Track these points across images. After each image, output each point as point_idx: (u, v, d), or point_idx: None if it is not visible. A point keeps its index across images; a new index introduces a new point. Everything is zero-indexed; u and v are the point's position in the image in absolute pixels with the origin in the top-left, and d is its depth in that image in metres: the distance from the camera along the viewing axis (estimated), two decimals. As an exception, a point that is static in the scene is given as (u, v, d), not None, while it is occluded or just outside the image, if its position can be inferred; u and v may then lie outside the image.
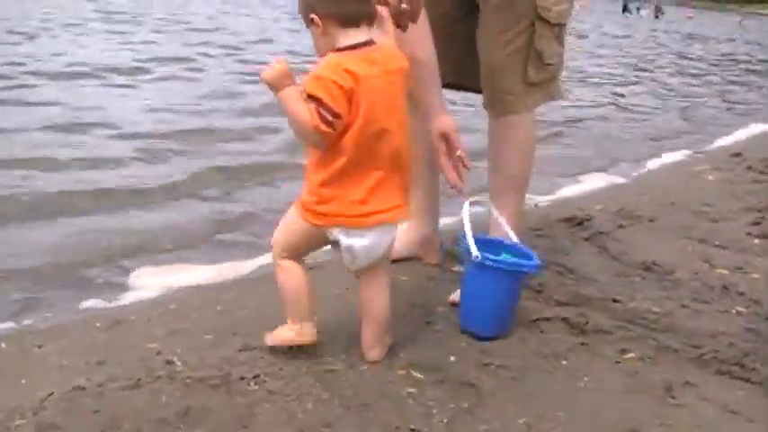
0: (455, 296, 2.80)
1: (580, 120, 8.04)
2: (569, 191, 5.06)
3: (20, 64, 8.43)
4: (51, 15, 13.97)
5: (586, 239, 3.70)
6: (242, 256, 3.47)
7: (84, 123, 6.01)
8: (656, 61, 15.91)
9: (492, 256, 2.50)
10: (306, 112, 2.10)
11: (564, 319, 2.73)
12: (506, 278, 2.53)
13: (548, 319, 2.73)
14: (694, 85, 12.48)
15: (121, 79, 8.18)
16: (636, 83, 11.98)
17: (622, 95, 10.18)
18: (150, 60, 9.47)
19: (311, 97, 2.11)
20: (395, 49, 2.29)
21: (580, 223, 3.94)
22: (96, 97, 7.12)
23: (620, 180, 5.50)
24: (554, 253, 3.41)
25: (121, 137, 5.70)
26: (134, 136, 5.72)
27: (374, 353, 2.38)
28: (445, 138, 2.58)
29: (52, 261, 3.41)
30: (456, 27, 2.93)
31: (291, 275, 2.35)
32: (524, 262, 2.56)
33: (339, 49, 2.17)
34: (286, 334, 2.37)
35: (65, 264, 3.39)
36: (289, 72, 2.15)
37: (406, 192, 2.31)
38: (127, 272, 3.32)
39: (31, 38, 10.81)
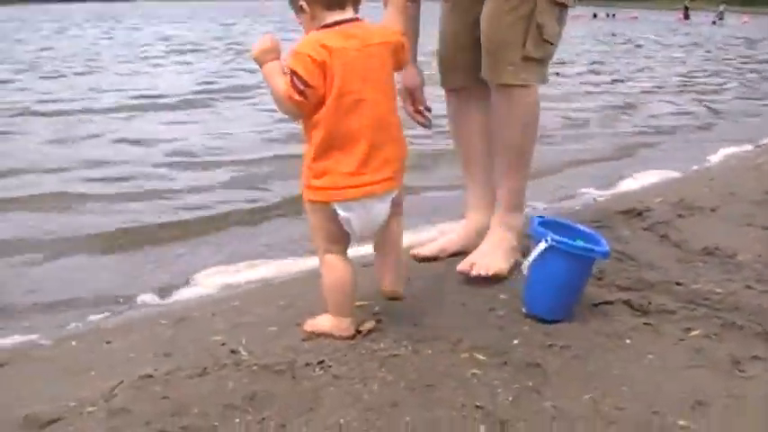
0: (463, 265, 2.93)
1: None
2: (627, 185, 5.01)
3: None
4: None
5: (646, 229, 3.66)
6: (301, 252, 3.49)
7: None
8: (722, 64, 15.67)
9: (566, 240, 2.49)
10: (283, 84, 2.26)
11: (626, 302, 2.70)
12: (579, 262, 2.52)
13: (610, 303, 2.71)
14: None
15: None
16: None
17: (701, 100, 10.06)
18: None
19: (291, 71, 2.25)
20: (383, 25, 2.44)
21: (639, 214, 3.90)
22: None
23: (679, 174, 5.43)
24: (614, 242, 3.36)
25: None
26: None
27: (394, 288, 2.56)
28: (411, 93, 3.05)
29: (119, 261, 3.49)
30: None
31: (332, 271, 2.44)
32: (597, 247, 2.53)
33: (322, 27, 2.31)
34: (324, 324, 2.47)
35: (130, 264, 3.48)
36: (273, 47, 2.33)
37: (397, 163, 2.39)
38: (191, 271, 3.37)
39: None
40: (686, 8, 53.80)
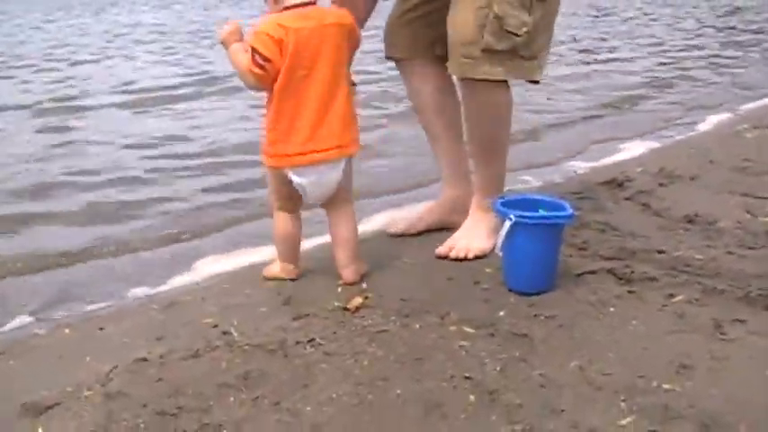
0: (442, 249, 3.02)
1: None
2: (609, 157, 5.04)
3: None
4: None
5: (628, 199, 3.71)
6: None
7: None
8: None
9: (528, 214, 2.55)
10: (245, 60, 2.58)
11: (609, 271, 2.76)
12: (546, 231, 2.58)
13: (593, 272, 2.76)
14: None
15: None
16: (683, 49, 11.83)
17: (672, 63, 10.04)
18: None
19: (251, 48, 2.55)
20: (338, 9, 2.73)
21: (620, 184, 3.95)
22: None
23: (659, 144, 5.47)
24: (596, 212, 3.44)
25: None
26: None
27: (347, 272, 2.77)
28: None
29: (109, 250, 3.52)
30: None
31: (282, 225, 2.82)
32: (560, 213, 2.60)
33: (283, 9, 2.59)
34: (274, 269, 2.89)
35: (120, 252, 3.51)
36: (235, 29, 2.66)
37: (346, 134, 2.66)
38: (181, 258, 3.41)
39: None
40: None
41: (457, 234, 3.07)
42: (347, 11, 2.72)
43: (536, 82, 2.93)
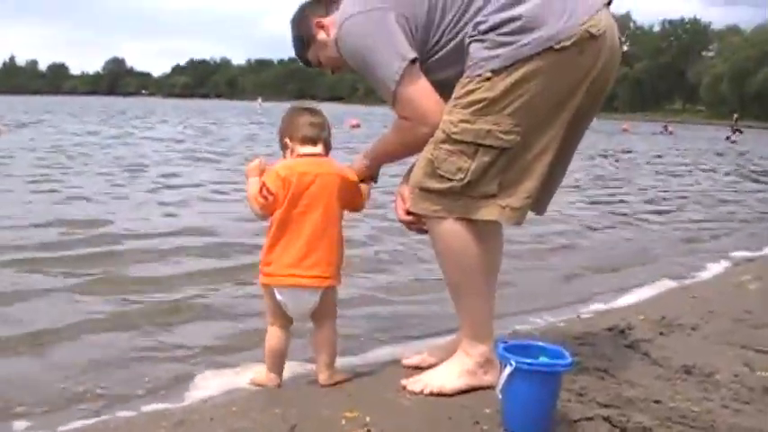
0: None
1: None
2: (613, 302, 5.15)
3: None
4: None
5: (628, 346, 3.80)
6: (300, 358, 3.59)
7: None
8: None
9: (528, 360, 2.65)
10: (254, 190, 3.08)
11: (606, 418, 2.82)
12: (545, 378, 2.67)
13: (590, 419, 2.82)
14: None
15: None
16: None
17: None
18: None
19: (262, 182, 3.06)
20: (345, 166, 3.22)
21: (622, 331, 4.05)
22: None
23: (663, 290, 5.58)
24: (596, 359, 3.53)
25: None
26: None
27: (322, 376, 3.19)
28: (401, 195, 3.13)
29: (121, 360, 3.63)
30: None
31: (271, 338, 3.18)
32: (559, 362, 2.69)
33: (297, 156, 3.12)
34: (261, 377, 3.26)
35: (133, 363, 3.63)
36: (258, 167, 3.15)
37: (328, 267, 3.07)
38: (193, 374, 3.52)
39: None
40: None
41: (431, 369, 3.17)
42: (350, 169, 3.19)
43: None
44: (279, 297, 3.07)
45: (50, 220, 7.38)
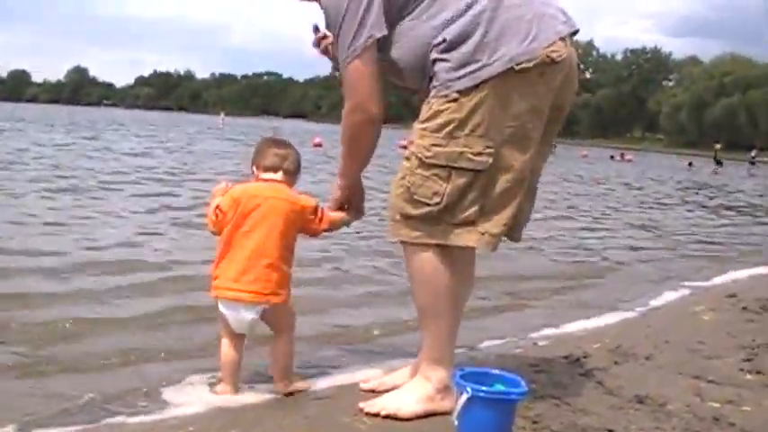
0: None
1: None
2: (569, 329, 5.21)
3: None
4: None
5: (582, 375, 3.84)
6: (262, 380, 3.59)
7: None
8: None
9: (483, 388, 2.68)
10: (211, 208, 3.36)
11: (560, 447, 2.86)
12: (501, 406, 2.71)
13: (544, 447, 2.87)
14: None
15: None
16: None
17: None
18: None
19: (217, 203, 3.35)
20: (301, 194, 3.44)
21: (577, 360, 4.09)
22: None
23: (619, 319, 5.65)
24: (551, 387, 3.56)
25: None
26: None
27: (279, 385, 3.39)
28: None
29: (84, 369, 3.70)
30: None
31: (221, 348, 3.37)
32: (514, 390, 2.74)
33: (258, 179, 3.39)
34: (218, 388, 3.39)
35: (95, 371, 3.71)
36: (223, 190, 3.41)
37: (267, 285, 3.23)
38: (155, 388, 3.54)
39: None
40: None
41: (389, 393, 3.20)
42: (308, 197, 3.41)
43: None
44: (221, 309, 3.28)
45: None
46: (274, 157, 3.40)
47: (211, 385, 3.46)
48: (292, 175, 3.43)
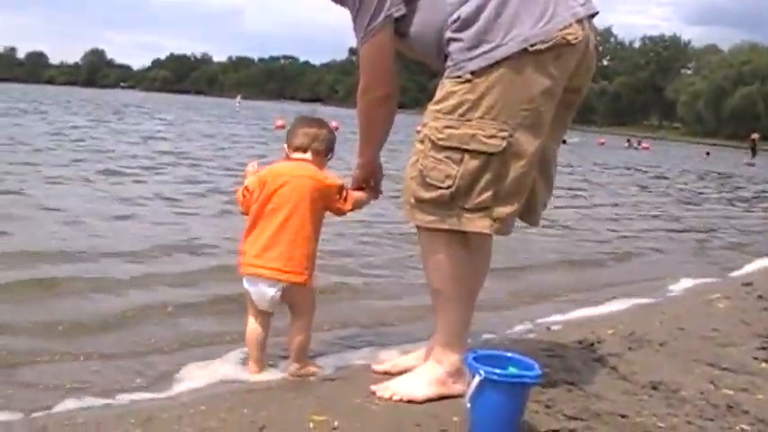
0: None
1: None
2: (583, 315, 5.19)
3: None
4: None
5: (596, 360, 3.83)
6: (276, 360, 3.63)
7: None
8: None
9: (497, 371, 2.66)
10: (241, 188, 3.45)
11: (571, 431, 2.85)
12: (513, 389, 2.69)
13: (556, 431, 2.86)
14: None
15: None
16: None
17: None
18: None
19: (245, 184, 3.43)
20: (328, 173, 3.47)
21: (591, 345, 4.08)
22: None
23: (633, 305, 5.63)
24: (564, 372, 3.55)
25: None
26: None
27: (291, 368, 3.43)
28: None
29: (96, 354, 3.69)
30: None
31: (247, 326, 3.43)
32: (528, 373, 2.72)
33: (287, 159, 3.47)
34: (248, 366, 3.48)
35: (108, 356, 3.70)
36: (252, 171, 3.47)
37: (289, 262, 3.28)
38: (168, 370, 3.57)
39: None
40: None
41: (402, 376, 3.19)
42: (335, 176, 3.45)
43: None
44: (245, 285, 3.35)
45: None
46: (304, 136, 3.45)
47: (238, 363, 3.57)
48: (322, 155, 3.49)
